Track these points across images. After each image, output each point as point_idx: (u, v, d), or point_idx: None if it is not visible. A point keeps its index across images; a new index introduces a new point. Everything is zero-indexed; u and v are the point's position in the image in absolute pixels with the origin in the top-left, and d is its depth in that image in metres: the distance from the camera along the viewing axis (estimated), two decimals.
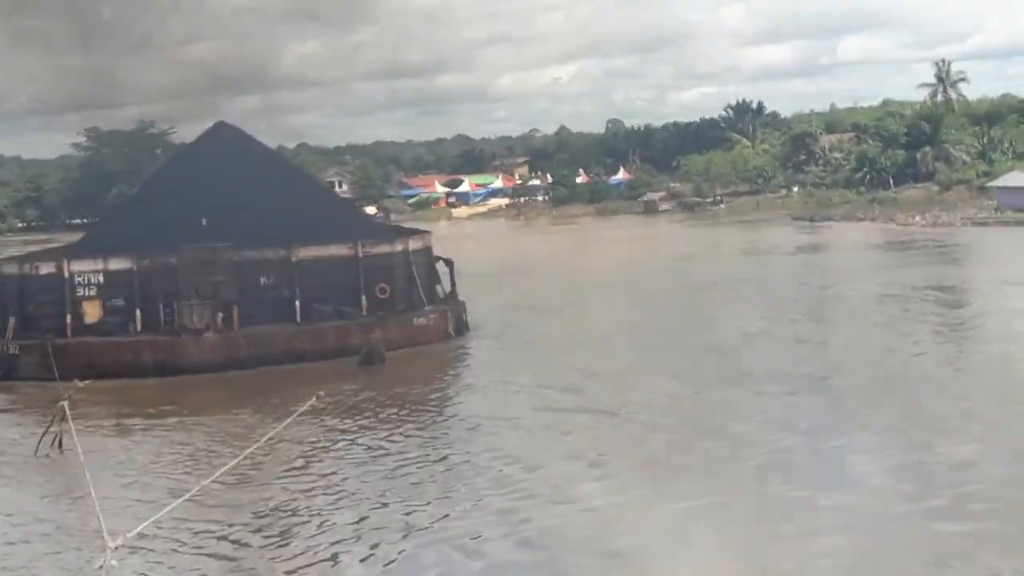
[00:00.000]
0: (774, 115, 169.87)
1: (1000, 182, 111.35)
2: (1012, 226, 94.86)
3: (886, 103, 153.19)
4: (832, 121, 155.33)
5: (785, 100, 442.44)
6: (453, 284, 54.52)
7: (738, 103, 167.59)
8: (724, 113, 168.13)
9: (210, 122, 58.86)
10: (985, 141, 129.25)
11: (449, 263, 54.66)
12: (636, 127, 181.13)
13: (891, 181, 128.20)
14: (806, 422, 33.89)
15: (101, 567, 14.32)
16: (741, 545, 24.39)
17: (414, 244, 52.70)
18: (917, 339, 46.43)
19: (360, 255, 50.60)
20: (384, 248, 51.62)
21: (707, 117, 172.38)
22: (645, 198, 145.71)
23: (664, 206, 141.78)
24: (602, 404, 37.51)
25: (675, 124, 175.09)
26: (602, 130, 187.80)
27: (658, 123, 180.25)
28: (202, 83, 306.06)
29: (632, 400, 37.77)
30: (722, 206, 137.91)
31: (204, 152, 56.43)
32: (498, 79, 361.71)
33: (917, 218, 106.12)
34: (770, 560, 23.32)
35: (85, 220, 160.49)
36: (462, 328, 52.98)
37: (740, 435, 32.64)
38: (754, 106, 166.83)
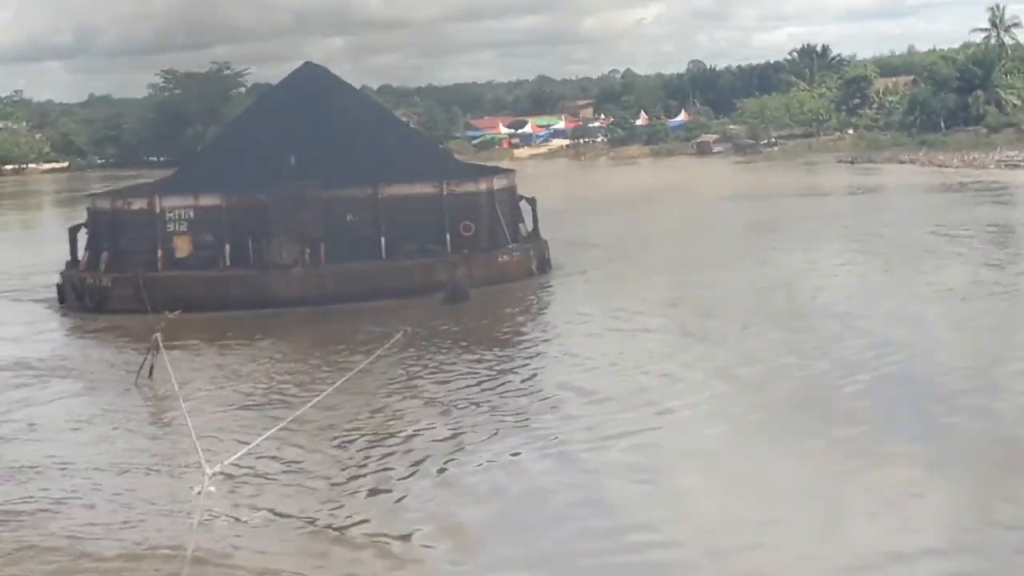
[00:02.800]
0: (839, 58, 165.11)
1: None
2: None
3: (966, 45, 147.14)
4: (908, 64, 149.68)
5: (873, 41, 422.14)
6: (536, 222, 52.98)
7: (803, 46, 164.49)
8: (788, 56, 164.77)
9: (297, 63, 57.58)
10: None
11: (532, 201, 53.04)
12: (700, 69, 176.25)
13: (942, 124, 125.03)
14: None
15: (199, 493, 14.01)
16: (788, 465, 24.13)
17: (498, 183, 51.17)
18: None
19: (445, 193, 49.07)
20: (469, 186, 50.01)
21: (772, 60, 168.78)
22: (699, 140, 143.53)
23: (717, 148, 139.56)
24: (679, 341, 36.45)
25: (739, 67, 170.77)
26: (683, 71, 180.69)
27: (742, 64, 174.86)
28: (290, 24, 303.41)
29: (708, 336, 36.88)
30: (775, 148, 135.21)
31: (292, 91, 55.00)
32: (581, 21, 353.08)
33: (955, 160, 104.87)
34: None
35: (161, 158, 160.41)
36: (545, 266, 51.52)
37: (810, 378, 31.50)
38: (819, 49, 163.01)
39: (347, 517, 22.42)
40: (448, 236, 48.62)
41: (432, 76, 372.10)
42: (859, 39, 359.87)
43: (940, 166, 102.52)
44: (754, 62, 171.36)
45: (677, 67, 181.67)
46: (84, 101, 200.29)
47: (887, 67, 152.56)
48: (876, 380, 30.29)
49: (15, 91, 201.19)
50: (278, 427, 22.72)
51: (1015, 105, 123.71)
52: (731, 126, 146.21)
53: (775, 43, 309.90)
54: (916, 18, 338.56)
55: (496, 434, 27.32)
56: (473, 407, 29.88)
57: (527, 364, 34.99)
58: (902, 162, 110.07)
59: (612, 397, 29.89)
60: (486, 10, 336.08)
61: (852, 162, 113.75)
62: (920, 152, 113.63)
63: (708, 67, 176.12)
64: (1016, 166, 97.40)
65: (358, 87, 73.94)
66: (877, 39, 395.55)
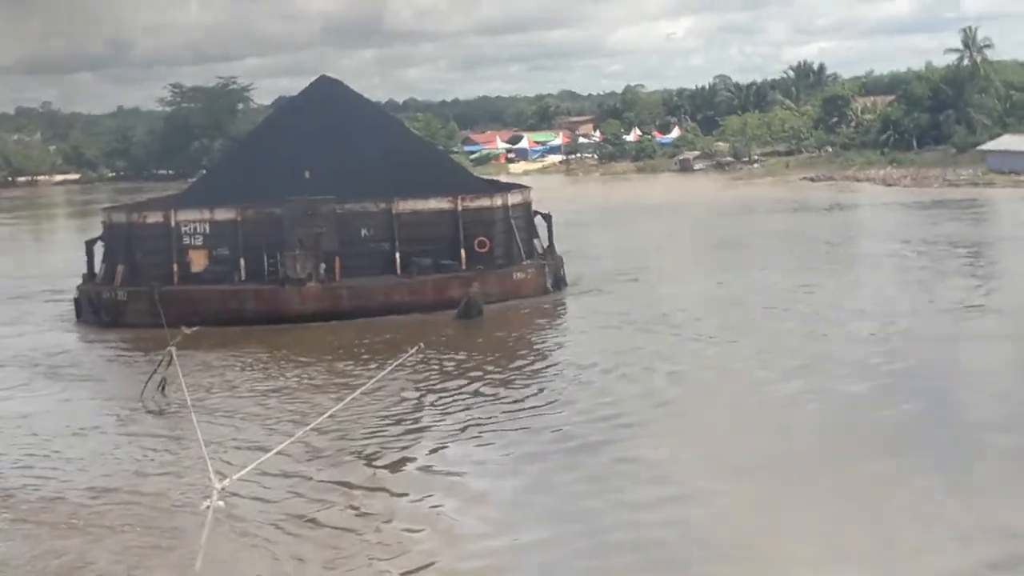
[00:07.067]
0: (835, 76, 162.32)
1: (991, 146, 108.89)
2: (980, 187, 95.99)
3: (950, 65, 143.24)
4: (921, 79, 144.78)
5: (907, 56, 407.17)
6: (551, 238, 50.49)
7: (799, 64, 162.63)
8: (784, 75, 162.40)
9: (327, 75, 55.16)
10: (1007, 106, 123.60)
11: (547, 217, 50.53)
12: (697, 87, 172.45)
13: (915, 143, 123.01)
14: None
15: (208, 507, 13.33)
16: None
17: (513, 198, 48.75)
18: None
19: (460, 208, 46.86)
20: (484, 202, 47.73)
21: (768, 78, 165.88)
22: (681, 157, 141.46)
23: (699, 165, 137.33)
24: (687, 367, 34.73)
25: (736, 85, 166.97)
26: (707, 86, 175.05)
27: (739, 82, 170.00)
28: (319, 36, 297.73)
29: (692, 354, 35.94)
30: (755, 166, 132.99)
31: (307, 105, 52.66)
32: (611, 34, 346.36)
33: (907, 179, 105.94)
34: None
35: (169, 171, 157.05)
36: (560, 283, 48.98)
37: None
38: (815, 67, 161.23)
39: (339, 509, 22.99)
40: (463, 252, 46.38)
41: (461, 89, 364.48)
42: (892, 53, 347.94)
43: (891, 185, 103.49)
44: (776, 77, 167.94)
45: (707, 82, 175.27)
46: (113, 113, 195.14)
47: (901, 83, 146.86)
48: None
49: (43, 102, 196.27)
50: (288, 442, 22.10)
51: (985, 125, 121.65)
52: (717, 143, 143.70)
53: (807, 57, 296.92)
54: (950, 33, 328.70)
55: (480, 441, 27.44)
56: (467, 420, 29.31)
57: (529, 381, 33.38)
58: (859, 180, 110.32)
59: (610, 416, 29.07)
60: (515, 23, 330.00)
61: (814, 180, 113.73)
62: (881, 171, 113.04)
63: (700, 86, 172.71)
64: (957, 185, 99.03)
65: (384, 100, 71.50)
66: (912, 53, 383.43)
